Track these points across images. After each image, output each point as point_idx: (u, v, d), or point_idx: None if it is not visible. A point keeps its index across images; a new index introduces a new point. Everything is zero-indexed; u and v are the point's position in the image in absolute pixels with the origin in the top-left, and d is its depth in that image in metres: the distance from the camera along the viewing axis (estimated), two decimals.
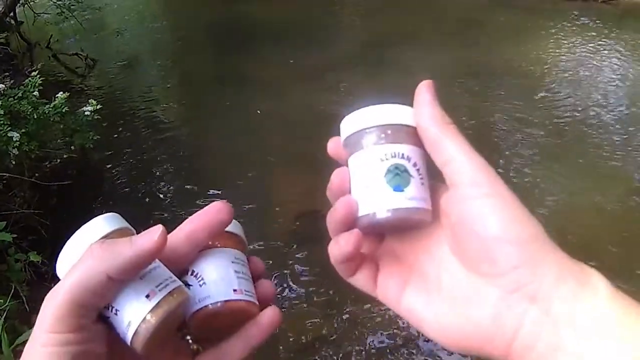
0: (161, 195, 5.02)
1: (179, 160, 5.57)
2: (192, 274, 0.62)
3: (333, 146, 0.65)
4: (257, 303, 0.63)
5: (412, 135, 0.58)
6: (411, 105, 0.61)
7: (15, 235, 3.46)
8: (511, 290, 0.49)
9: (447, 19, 8.99)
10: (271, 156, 5.39)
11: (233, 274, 0.62)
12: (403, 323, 3.67)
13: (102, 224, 0.59)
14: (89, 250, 0.54)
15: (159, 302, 0.55)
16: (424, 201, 0.56)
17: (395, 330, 3.66)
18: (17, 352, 2.76)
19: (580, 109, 6.00)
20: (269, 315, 0.63)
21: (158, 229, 0.54)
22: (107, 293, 0.54)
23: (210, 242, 0.63)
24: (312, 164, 5.27)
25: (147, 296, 0.55)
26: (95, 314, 0.54)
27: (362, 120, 0.61)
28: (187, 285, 0.60)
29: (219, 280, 0.61)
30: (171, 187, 5.15)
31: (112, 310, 0.55)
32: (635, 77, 6.76)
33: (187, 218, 0.61)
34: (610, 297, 0.47)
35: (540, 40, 7.77)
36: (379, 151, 0.58)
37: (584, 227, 4.31)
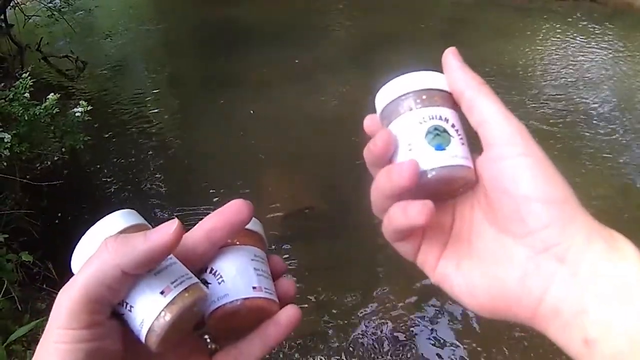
0: (151, 196, 5.03)
1: (169, 161, 5.58)
2: (210, 272, 0.60)
3: (370, 123, 0.65)
4: (277, 301, 0.62)
5: (447, 99, 0.59)
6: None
7: (6, 236, 3.46)
8: (540, 250, 0.49)
9: (437, 19, 9.03)
10: (261, 156, 5.40)
11: (252, 272, 0.61)
12: (396, 317, 3.69)
13: (118, 219, 0.58)
14: (103, 244, 0.53)
15: (173, 299, 0.53)
16: (466, 159, 0.56)
17: (387, 324, 3.67)
18: (10, 350, 2.77)
19: (570, 107, 6.03)
20: (288, 313, 0.61)
21: (173, 223, 0.53)
22: (121, 288, 0.52)
23: (229, 240, 0.62)
24: (301, 164, 5.32)
25: (162, 292, 0.53)
26: (109, 310, 0.53)
27: (397, 88, 0.61)
28: (206, 283, 0.59)
29: (238, 278, 0.60)
30: (161, 188, 5.15)
31: (126, 307, 0.54)
32: (624, 75, 6.79)
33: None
34: (638, 261, 0.47)
35: (530, 39, 7.80)
36: (417, 115, 0.58)
37: None
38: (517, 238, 0.51)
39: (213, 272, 0.60)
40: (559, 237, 0.48)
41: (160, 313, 0.53)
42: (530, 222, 0.50)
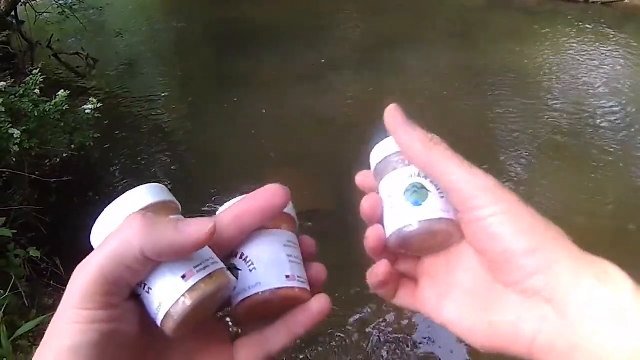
0: None
1: (178, 159, 5.59)
2: (241, 257, 0.58)
3: (362, 179, 0.67)
4: (309, 289, 0.60)
5: None
6: None
7: (14, 231, 3.46)
8: (530, 295, 0.51)
9: (446, 21, 9.01)
10: (269, 156, 5.40)
11: (285, 259, 0.59)
12: (399, 318, 3.69)
13: (144, 193, 0.55)
14: (127, 221, 0.50)
15: (195, 284, 0.51)
16: (444, 212, 0.57)
17: (390, 325, 3.67)
18: (16, 345, 2.78)
19: (578, 111, 6.00)
20: (319, 303, 0.59)
21: (210, 222, 0.51)
22: (141, 270, 0.50)
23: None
24: (310, 164, 5.31)
25: (184, 277, 0.51)
26: (127, 292, 0.51)
27: (385, 148, 0.63)
28: (235, 269, 0.57)
29: (270, 265, 0.58)
30: (170, 186, 5.13)
31: (144, 288, 0.52)
32: (634, 79, 6.76)
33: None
34: (631, 289, 0.48)
35: (539, 42, 7.77)
36: (399, 174, 0.61)
37: (582, 230, 4.31)
38: (507, 287, 0.53)
39: (244, 257, 0.58)
40: (545, 282, 0.50)
41: (179, 298, 0.50)
42: (515, 275, 0.51)
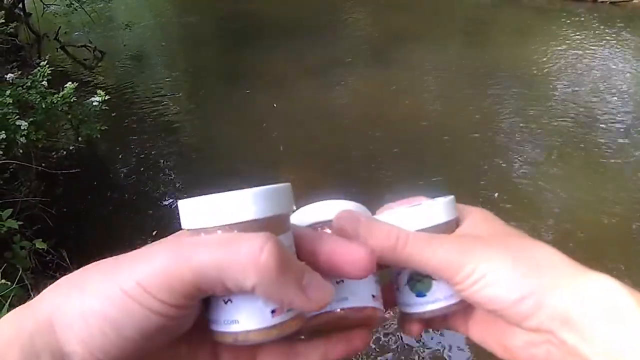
0: (167, 186, 5.03)
1: (185, 152, 5.58)
2: None
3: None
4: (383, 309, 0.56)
5: None
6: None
7: (21, 223, 3.45)
8: (533, 330, 0.50)
9: (455, 18, 8.99)
10: (276, 150, 5.39)
11: (372, 278, 0.55)
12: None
13: (270, 199, 0.46)
14: (261, 242, 0.41)
15: (278, 324, 0.46)
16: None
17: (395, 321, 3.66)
18: None
19: (586, 110, 5.96)
20: (362, 338, 0.55)
21: (330, 290, 0.45)
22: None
23: None
24: (318, 158, 5.30)
25: (273, 311, 0.46)
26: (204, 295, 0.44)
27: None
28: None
29: (359, 282, 0.53)
30: (177, 178, 5.16)
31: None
32: None
33: None
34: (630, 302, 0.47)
35: (547, 40, 7.74)
36: None
37: (590, 227, 4.29)
38: (510, 325, 0.52)
39: None
40: (539, 321, 0.49)
41: (258, 329, 0.46)
42: (513, 320, 0.51)
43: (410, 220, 0.55)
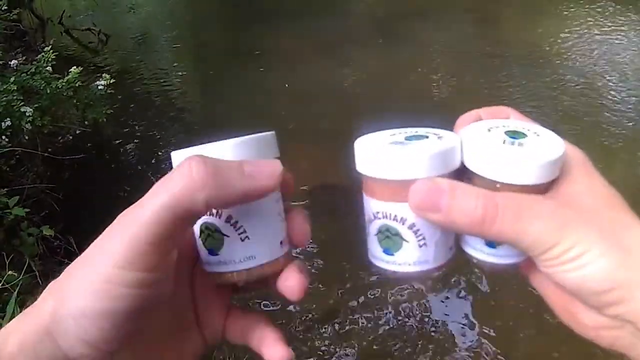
0: None
1: (192, 134, 5.55)
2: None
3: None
4: (290, 250, 0.53)
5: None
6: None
7: (28, 210, 3.46)
8: (609, 316, 0.47)
9: None
10: (284, 130, 5.36)
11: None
12: (412, 297, 3.66)
13: (257, 145, 0.50)
14: (188, 165, 0.43)
15: (285, 253, 0.51)
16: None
17: (403, 305, 3.64)
18: None
19: (596, 90, 5.92)
20: (293, 281, 0.51)
21: (277, 165, 0.48)
22: (194, 222, 0.46)
23: None
24: (324, 138, 5.28)
25: (281, 243, 0.50)
26: (175, 249, 0.45)
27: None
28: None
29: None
30: None
31: (228, 220, 0.48)
32: None
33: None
34: None
35: (556, 20, 7.67)
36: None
37: None
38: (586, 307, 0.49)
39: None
40: (625, 309, 0.45)
41: (270, 261, 0.49)
42: (593, 304, 0.47)
43: (505, 167, 0.46)
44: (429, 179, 0.46)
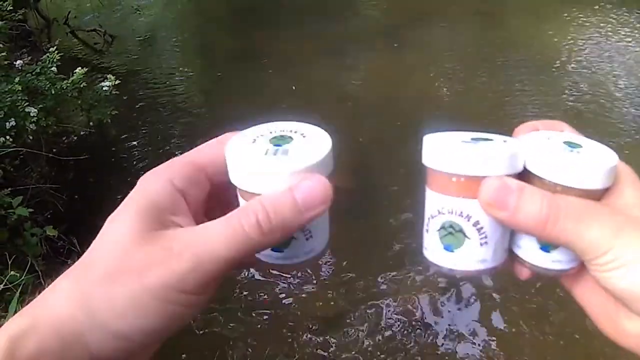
0: None
1: (197, 136, 5.55)
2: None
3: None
4: None
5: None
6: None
7: (31, 210, 3.47)
8: None
9: None
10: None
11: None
12: (424, 299, 3.66)
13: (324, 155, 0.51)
14: (247, 217, 0.45)
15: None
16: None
17: (405, 308, 3.64)
18: None
19: (599, 93, 5.92)
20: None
21: (327, 185, 0.49)
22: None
23: None
24: (332, 142, 5.25)
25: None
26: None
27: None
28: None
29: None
30: None
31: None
32: None
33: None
34: None
35: (560, 23, 7.66)
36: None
37: None
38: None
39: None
40: None
41: (323, 249, 0.54)
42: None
43: (566, 170, 0.49)
44: (499, 177, 0.47)
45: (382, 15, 8.59)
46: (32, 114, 3.89)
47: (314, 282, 3.85)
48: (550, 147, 0.50)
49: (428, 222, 0.53)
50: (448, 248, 0.51)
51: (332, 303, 3.68)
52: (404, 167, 4.63)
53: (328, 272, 3.91)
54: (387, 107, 5.57)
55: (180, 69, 7.22)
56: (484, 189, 0.47)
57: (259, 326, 3.57)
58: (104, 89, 4.66)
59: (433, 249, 0.53)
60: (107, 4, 8.55)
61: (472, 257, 0.51)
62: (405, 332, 3.50)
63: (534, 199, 0.46)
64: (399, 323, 3.55)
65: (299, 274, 3.88)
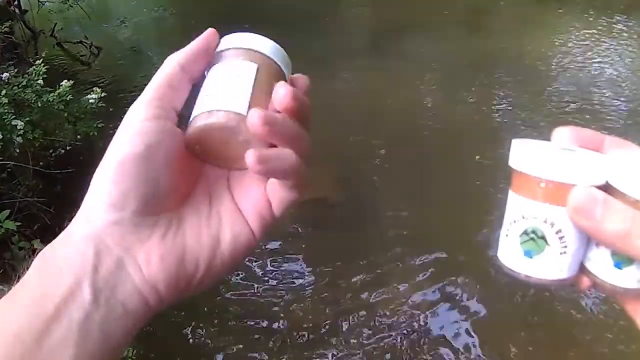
0: None
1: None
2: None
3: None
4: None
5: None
6: None
7: (19, 224, 3.46)
8: None
9: (456, 8, 8.94)
10: None
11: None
12: (411, 311, 3.67)
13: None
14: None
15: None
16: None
17: (394, 319, 3.65)
18: None
19: (587, 100, 5.95)
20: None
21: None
22: (182, 89, 0.60)
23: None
24: (318, 152, 5.27)
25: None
26: (174, 112, 0.59)
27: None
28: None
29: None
30: None
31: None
32: None
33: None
34: None
35: (547, 31, 7.72)
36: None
37: None
38: None
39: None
40: None
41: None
42: None
43: None
44: (587, 186, 0.48)
45: (368, 27, 8.62)
46: (18, 127, 3.87)
47: (302, 293, 3.86)
48: (636, 164, 0.50)
49: (509, 227, 0.53)
50: (528, 254, 0.52)
51: (319, 314, 3.68)
52: (391, 178, 4.65)
53: (315, 283, 3.92)
54: (372, 119, 5.59)
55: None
56: (573, 196, 0.48)
57: (249, 336, 3.58)
58: (90, 101, 4.64)
59: (511, 255, 0.53)
60: (93, 16, 8.53)
61: (550, 265, 0.51)
62: (394, 343, 3.51)
63: (619, 211, 0.47)
64: (388, 334, 3.56)
65: (286, 285, 3.89)
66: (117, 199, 0.51)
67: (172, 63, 0.59)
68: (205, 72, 0.61)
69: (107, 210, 0.51)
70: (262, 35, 0.61)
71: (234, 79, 0.58)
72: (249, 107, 0.55)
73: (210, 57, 0.61)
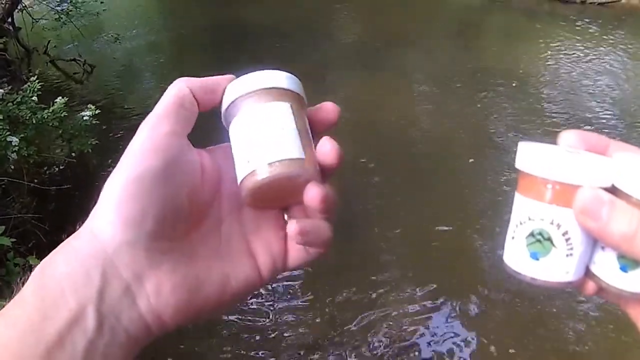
0: None
1: None
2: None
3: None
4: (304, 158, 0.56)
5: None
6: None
7: (14, 240, 3.45)
8: None
9: (445, 21, 9.01)
10: None
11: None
12: (400, 321, 3.67)
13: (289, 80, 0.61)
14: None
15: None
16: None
17: (390, 328, 3.65)
18: None
19: (576, 113, 5.98)
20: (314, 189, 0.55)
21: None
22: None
23: None
24: None
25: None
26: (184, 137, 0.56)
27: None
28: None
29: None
30: None
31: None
32: (633, 80, 6.74)
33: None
34: None
35: (537, 43, 7.75)
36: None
37: None
38: None
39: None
40: None
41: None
42: None
43: None
44: (594, 188, 0.49)
45: (357, 40, 8.63)
46: (13, 143, 3.88)
47: (299, 306, 3.86)
48: None
49: (516, 229, 0.53)
50: (534, 256, 0.52)
51: (316, 327, 3.68)
52: (383, 189, 4.66)
53: (311, 296, 3.92)
54: (364, 130, 5.59)
55: (159, 96, 7.21)
56: (579, 197, 0.48)
57: (244, 352, 3.58)
58: (84, 118, 4.65)
59: (517, 257, 0.53)
60: (87, 34, 8.54)
61: (556, 267, 0.51)
62: (391, 355, 3.51)
63: (625, 213, 0.48)
64: (384, 347, 3.56)
65: (281, 298, 3.89)
66: (134, 215, 0.48)
67: (182, 85, 0.59)
68: (230, 120, 0.61)
69: (121, 228, 0.47)
70: (269, 68, 0.60)
71: (275, 123, 0.56)
72: (303, 149, 0.55)
73: (217, 95, 0.61)
